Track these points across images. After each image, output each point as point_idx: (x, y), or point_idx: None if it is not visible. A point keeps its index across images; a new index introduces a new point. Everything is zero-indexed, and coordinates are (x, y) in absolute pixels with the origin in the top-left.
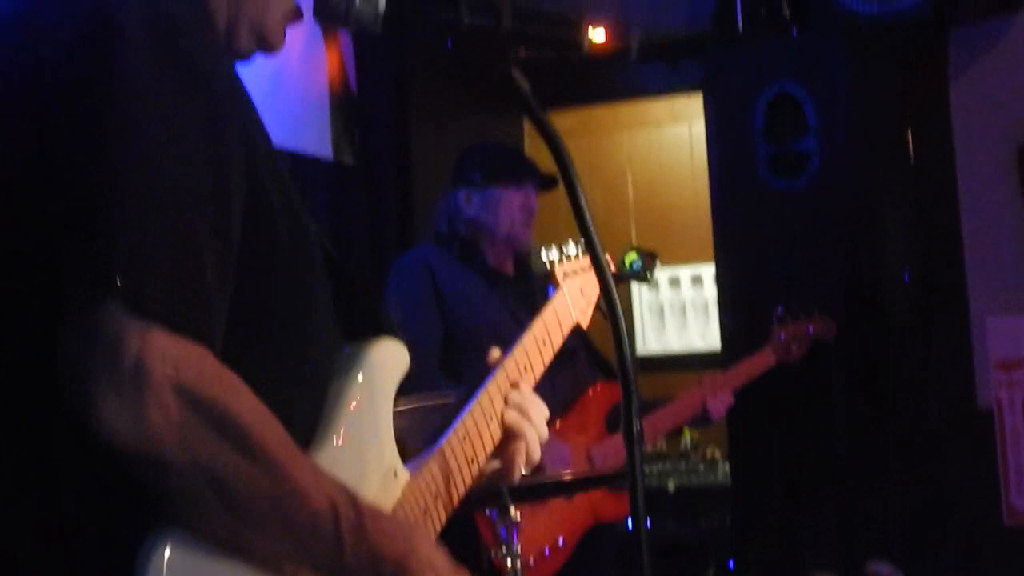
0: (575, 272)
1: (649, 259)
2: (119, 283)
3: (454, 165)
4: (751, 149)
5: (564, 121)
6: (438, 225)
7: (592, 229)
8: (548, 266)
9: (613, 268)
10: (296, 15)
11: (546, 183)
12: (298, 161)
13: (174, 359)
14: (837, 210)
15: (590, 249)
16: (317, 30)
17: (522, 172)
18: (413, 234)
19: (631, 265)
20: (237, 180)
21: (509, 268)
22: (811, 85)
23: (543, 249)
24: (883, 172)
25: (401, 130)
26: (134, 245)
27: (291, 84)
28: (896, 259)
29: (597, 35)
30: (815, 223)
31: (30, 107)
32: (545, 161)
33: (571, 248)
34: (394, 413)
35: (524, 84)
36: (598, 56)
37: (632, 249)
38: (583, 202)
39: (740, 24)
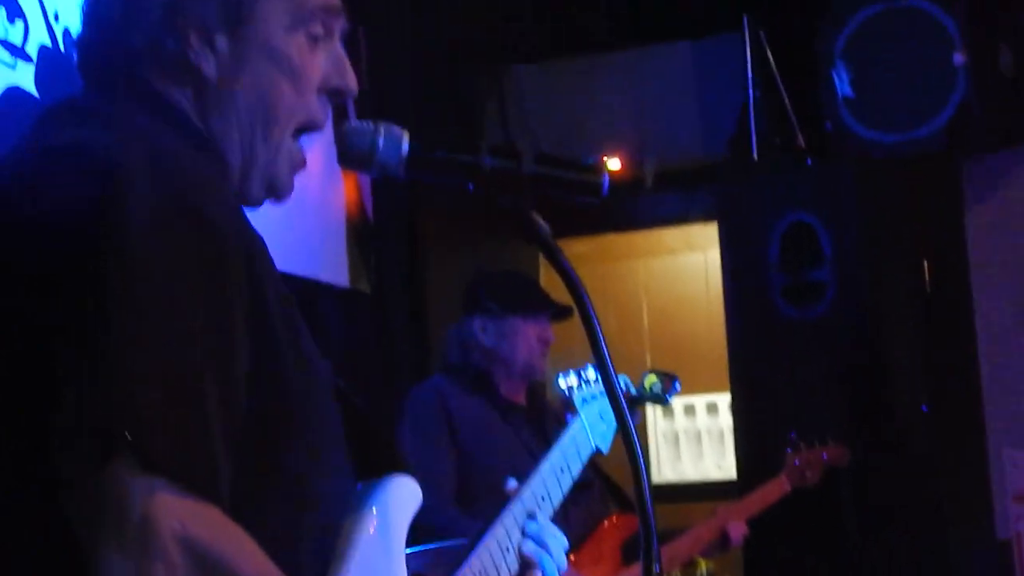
0: (594, 397)
1: (667, 380)
2: (125, 439)
3: (467, 293)
4: (766, 278)
5: (579, 247)
6: (450, 354)
7: (609, 365)
8: (566, 392)
9: (631, 390)
10: (303, 165)
11: (561, 313)
12: (313, 287)
13: (180, 515)
14: (852, 339)
15: (606, 383)
16: (334, 159)
17: (539, 303)
18: (427, 362)
19: (650, 387)
20: (242, 330)
21: (522, 398)
22: (826, 215)
23: (560, 375)
24: (899, 302)
25: (416, 258)
26: (139, 400)
27: (308, 211)
28: (912, 389)
29: (612, 164)
30: (830, 352)
31: (31, 263)
32: (560, 290)
33: (589, 372)
34: (408, 555)
35: (543, 227)
36: (614, 185)
37: (650, 371)
38: (601, 340)
39: (755, 154)
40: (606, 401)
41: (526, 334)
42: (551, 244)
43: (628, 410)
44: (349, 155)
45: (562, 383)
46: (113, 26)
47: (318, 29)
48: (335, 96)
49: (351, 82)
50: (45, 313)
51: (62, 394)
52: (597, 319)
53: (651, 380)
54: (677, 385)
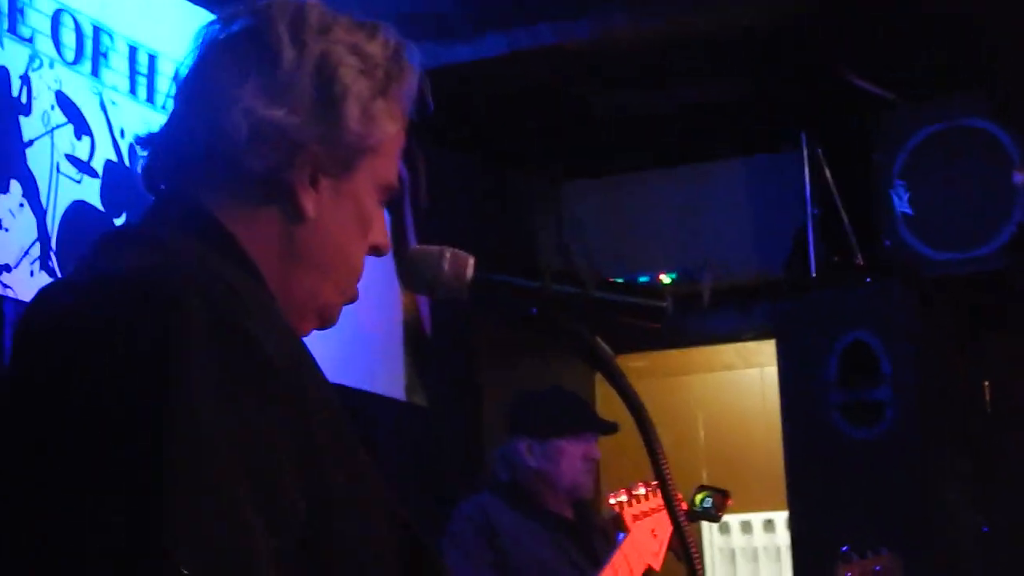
0: (644, 513)
1: (719, 497)
2: None
3: (512, 414)
4: (824, 396)
5: (635, 363)
6: (498, 474)
7: (670, 488)
8: (617, 508)
9: (684, 506)
10: (353, 299)
11: (608, 430)
12: (369, 399)
13: None
14: (911, 458)
15: (667, 504)
16: (392, 274)
17: (584, 423)
18: (481, 477)
19: (701, 503)
20: (294, 467)
21: (569, 513)
22: (885, 334)
23: (611, 494)
24: (958, 421)
25: (472, 373)
26: (189, 552)
27: (366, 325)
28: (970, 509)
29: (669, 280)
30: (889, 470)
31: (79, 395)
32: (617, 405)
33: (639, 489)
34: None
35: (607, 352)
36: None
37: (702, 487)
38: (662, 465)
39: (813, 271)
40: (658, 517)
41: (571, 455)
42: (614, 368)
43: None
44: (414, 279)
45: (613, 501)
46: (218, 144)
47: (385, 194)
48: (374, 252)
49: (388, 242)
50: (90, 451)
51: (107, 538)
52: (658, 440)
53: (702, 496)
54: (729, 501)
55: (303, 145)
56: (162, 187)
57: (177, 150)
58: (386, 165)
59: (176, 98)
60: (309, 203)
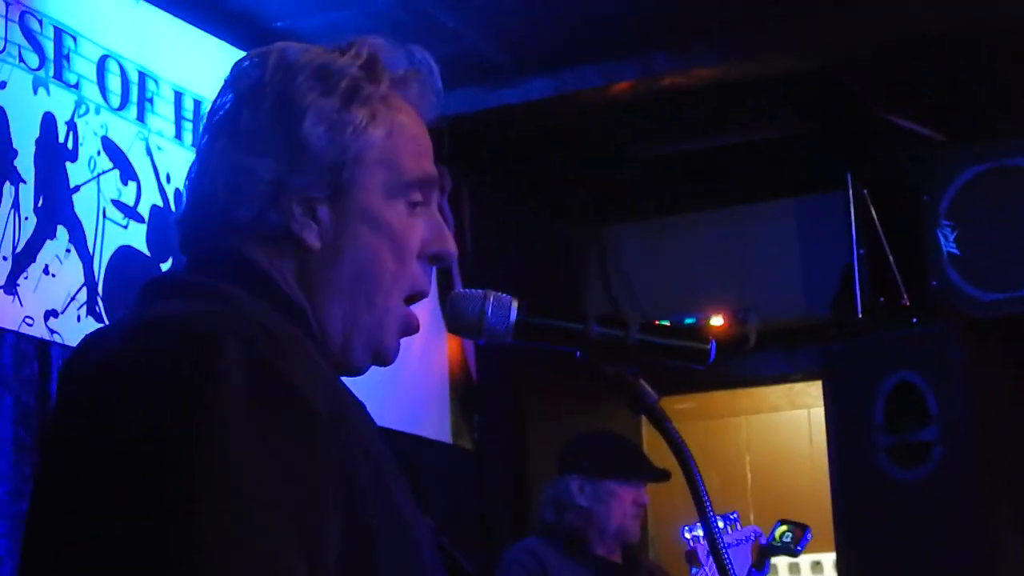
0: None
1: (798, 531)
2: None
3: (565, 452)
4: (871, 437)
5: (682, 405)
6: (544, 513)
7: (717, 532)
8: (691, 544)
9: (762, 539)
10: (414, 328)
11: (660, 477)
12: (417, 443)
13: None
14: (959, 500)
15: (711, 547)
16: (439, 318)
17: (637, 469)
18: (527, 521)
19: (781, 537)
20: (331, 507)
21: (617, 557)
22: (932, 374)
23: (687, 528)
24: (1006, 462)
25: (518, 416)
26: None
27: (412, 368)
28: (1020, 549)
29: (715, 321)
30: (937, 511)
31: (119, 440)
32: (662, 448)
33: (719, 525)
34: None
35: (651, 396)
36: (718, 343)
37: (782, 521)
38: (708, 509)
39: (859, 312)
40: (733, 553)
41: (622, 498)
42: (658, 411)
43: (759, 560)
44: (458, 322)
45: (687, 535)
46: (216, 202)
47: (417, 196)
48: (435, 261)
49: (451, 247)
50: (127, 491)
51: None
52: (704, 485)
53: (782, 530)
54: (809, 535)
55: (279, 181)
56: (199, 241)
57: (200, 212)
58: (393, 168)
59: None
60: (309, 235)
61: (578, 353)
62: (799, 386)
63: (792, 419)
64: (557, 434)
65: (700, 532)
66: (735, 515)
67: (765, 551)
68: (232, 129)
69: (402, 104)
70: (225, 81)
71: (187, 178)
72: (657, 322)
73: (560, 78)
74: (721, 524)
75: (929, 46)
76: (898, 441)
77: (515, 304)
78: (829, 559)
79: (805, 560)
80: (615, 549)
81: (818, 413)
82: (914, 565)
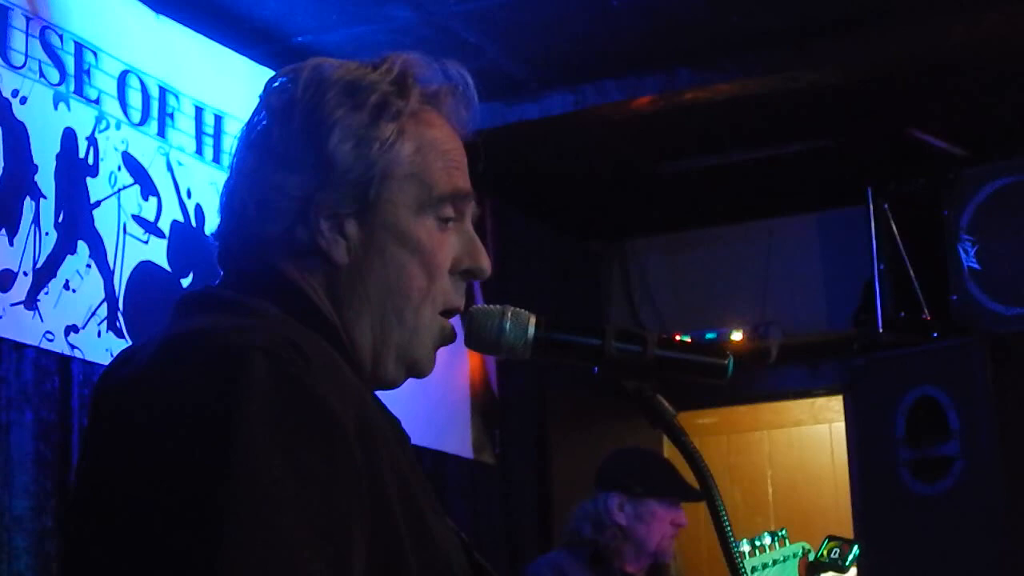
0: (767, 565)
1: (846, 546)
2: None
3: (607, 468)
4: (893, 452)
5: (704, 419)
6: (580, 527)
7: (732, 546)
8: (739, 558)
9: (811, 556)
10: (450, 338)
11: (697, 497)
12: (439, 459)
13: None
14: (981, 514)
15: (726, 552)
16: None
17: (679, 491)
18: (551, 535)
19: (829, 554)
20: (359, 522)
21: (643, 573)
22: (953, 389)
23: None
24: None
25: (542, 432)
26: None
27: (433, 384)
28: None
29: (737, 337)
30: (959, 526)
31: (147, 455)
32: (682, 464)
33: (765, 539)
34: None
35: (668, 411)
36: (738, 360)
37: (831, 537)
38: (725, 524)
39: (880, 326)
40: (780, 569)
41: (662, 518)
42: (675, 427)
43: None
44: (476, 338)
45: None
46: (249, 218)
47: (448, 212)
48: (468, 277)
49: (484, 263)
50: (156, 508)
51: None
52: (721, 499)
53: (830, 546)
54: (856, 551)
55: (307, 198)
56: (233, 257)
57: (234, 227)
58: (423, 184)
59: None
60: (338, 251)
61: (596, 368)
62: (821, 401)
63: (814, 434)
64: (580, 449)
65: (746, 548)
66: (783, 531)
67: (813, 567)
68: (264, 145)
69: (435, 118)
70: (260, 97)
71: (222, 194)
72: (677, 337)
73: (581, 93)
74: (768, 540)
75: (950, 63)
76: (919, 456)
77: (533, 320)
78: (850, 573)
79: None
80: (644, 567)
81: (840, 428)
82: None
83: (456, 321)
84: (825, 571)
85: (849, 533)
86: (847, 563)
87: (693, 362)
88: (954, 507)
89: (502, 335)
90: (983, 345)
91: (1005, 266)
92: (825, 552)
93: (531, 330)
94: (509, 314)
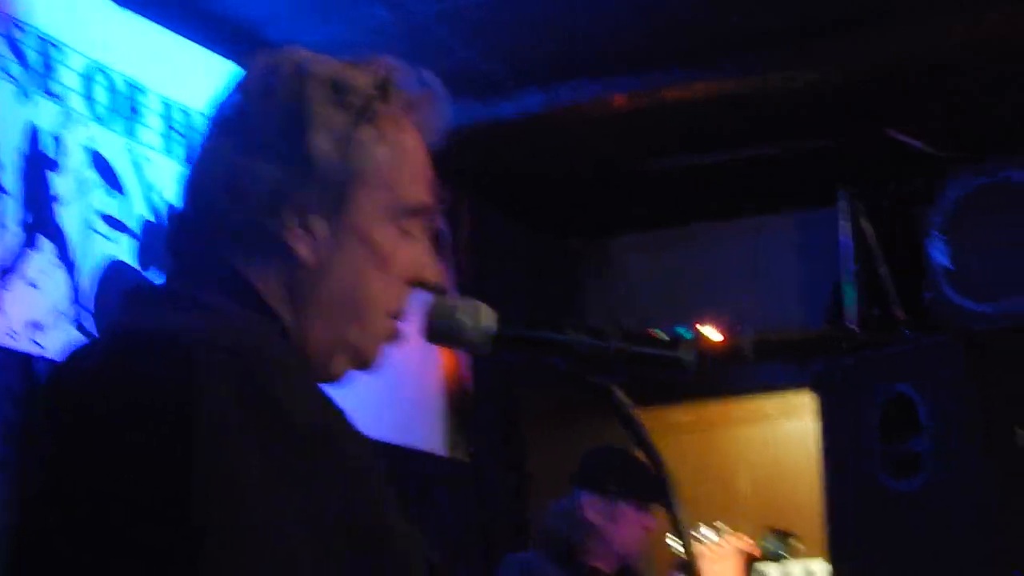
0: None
1: (785, 537)
2: None
3: (581, 467)
4: (865, 449)
5: (677, 416)
6: (554, 525)
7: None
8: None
9: (752, 549)
10: (397, 338)
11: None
12: (411, 456)
13: None
14: (954, 510)
15: (686, 547)
16: None
17: (652, 494)
18: (526, 532)
19: (769, 545)
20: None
21: (612, 570)
22: (925, 386)
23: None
24: (999, 473)
25: (515, 428)
26: None
27: (407, 381)
28: (1013, 559)
29: (712, 334)
30: (931, 523)
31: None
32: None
33: (710, 533)
34: None
35: (625, 403)
36: (713, 355)
37: (769, 529)
38: (681, 520)
39: (854, 325)
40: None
41: (634, 522)
42: (634, 420)
43: (748, 569)
44: (434, 331)
45: (672, 543)
46: (214, 201)
47: (410, 222)
48: (418, 287)
49: (436, 276)
50: (110, 511)
51: None
52: (676, 494)
53: (770, 538)
54: (794, 542)
55: (281, 191)
56: (187, 245)
57: (194, 212)
58: (393, 192)
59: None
60: (303, 248)
61: (560, 363)
62: (795, 398)
63: (788, 429)
64: (555, 445)
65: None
66: (722, 525)
67: (755, 559)
68: (238, 129)
69: (410, 127)
70: (236, 80)
71: (186, 175)
72: (652, 332)
73: (556, 92)
74: (710, 534)
75: (928, 65)
76: (892, 452)
77: (489, 314)
78: (822, 568)
79: (798, 568)
80: (615, 566)
81: (813, 425)
82: (906, 573)
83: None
84: (766, 561)
85: (821, 527)
86: (787, 553)
87: (653, 356)
88: (926, 503)
89: (458, 328)
90: (954, 343)
91: (978, 265)
92: (765, 544)
93: (488, 324)
94: (464, 307)
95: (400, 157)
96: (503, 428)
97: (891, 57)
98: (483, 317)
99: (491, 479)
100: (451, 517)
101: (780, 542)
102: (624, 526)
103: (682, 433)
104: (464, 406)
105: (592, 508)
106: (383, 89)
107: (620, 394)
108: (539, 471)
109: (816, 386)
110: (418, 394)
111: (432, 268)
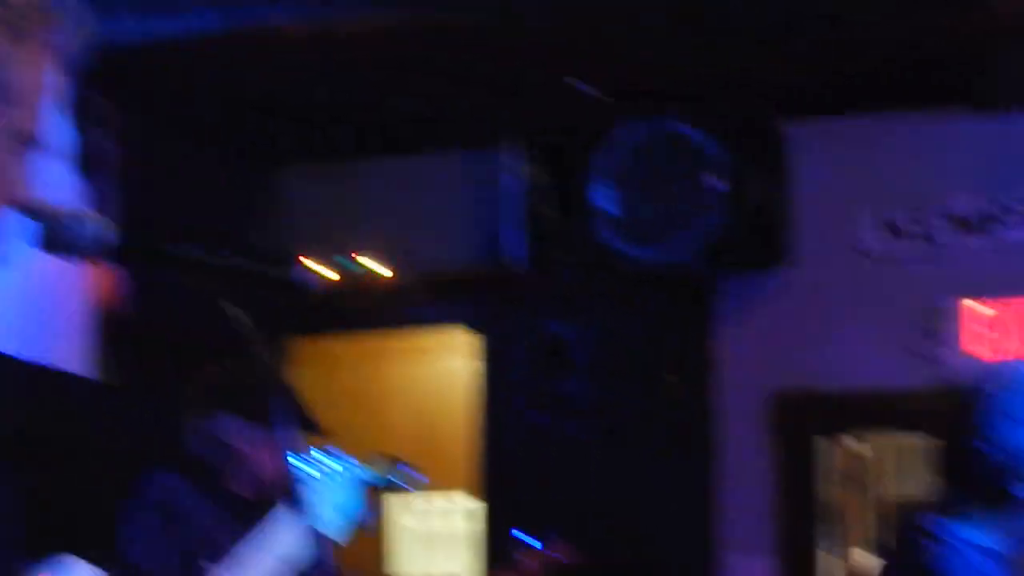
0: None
1: (390, 463)
2: None
3: (219, 388)
4: (523, 388)
5: (335, 347)
6: (196, 449)
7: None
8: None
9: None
10: None
11: (313, 429)
12: (59, 378)
13: None
14: (606, 451)
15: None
16: None
17: (296, 421)
18: (176, 459)
19: (379, 471)
20: None
21: (251, 495)
22: (582, 327)
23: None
24: (646, 416)
25: (170, 352)
26: None
27: (53, 301)
28: (649, 497)
29: (379, 268)
30: (584, 463)
31: None
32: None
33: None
34: None
35: (246, 325)
36: (375, 289)
37: (380, 456)
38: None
39: (518, 265)
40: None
41: (273, 445)
42: (252, 342)
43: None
44: (45, 241)
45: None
46: None
47: (21, 145)
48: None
49: (31, 199)
50: None
51: None
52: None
53: (380, 465)
54: (407, 469)
55: None
56: None
57: None
58: (23, 114)
59: None
60: None
61: (179, 279)
62: (455, 335)
63: (446, 367)
64: (213, 367)
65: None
66: (332, 447)
67: (370, 485)
68: None
69: (37, 46)
70: None
71: None
72: (244, 250)
73: (229, 14)
74: (322, 456)
75: (606, 16)
76: (546, 391)
77: (103, 223)
78: (465, 502)
79: (450, 504)
80: (254, 491)
81: (472, 362)
82: (561, 511)
83: None
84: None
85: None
86: (395, 480)
87: (259, 272)
88: (580, 444)
89: (70, 237)
90: (611, 286)
91: (641, 212)
92: (376, 470)
93: (101, 232)
94: (71, 215)
95: (45, 84)
96: (157, 350)
97: (571, 4)
98: (92, 224)
99: (139, 401)
100: (101, 440)
101: (388, 468)
102: (264, 451)
103: (339, 364)
104: (119, 329)
105: (231, 432)
106: (38, 9)
107: (238, 313)
108: (194, 395)
109: (476, 324)
110: (64, 313)
111: (27, 189)
